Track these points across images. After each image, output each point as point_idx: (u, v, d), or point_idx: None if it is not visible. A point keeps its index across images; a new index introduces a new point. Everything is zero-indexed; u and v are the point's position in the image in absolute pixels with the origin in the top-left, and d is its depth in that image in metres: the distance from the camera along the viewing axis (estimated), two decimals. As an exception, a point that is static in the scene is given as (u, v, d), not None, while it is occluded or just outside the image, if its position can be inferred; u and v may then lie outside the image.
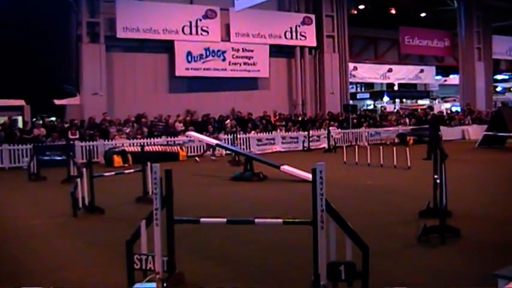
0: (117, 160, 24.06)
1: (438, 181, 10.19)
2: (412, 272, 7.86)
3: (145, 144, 24.12)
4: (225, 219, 7.83)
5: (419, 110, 48.54)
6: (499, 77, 61.86)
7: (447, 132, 36.37)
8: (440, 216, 9.48)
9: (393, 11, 44.62)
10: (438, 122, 27.45)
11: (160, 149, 26.01)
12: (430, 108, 38.72)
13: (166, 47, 31.90)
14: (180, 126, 29.68)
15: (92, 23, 29.85)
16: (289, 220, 7.69)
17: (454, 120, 39.97)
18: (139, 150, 16.88)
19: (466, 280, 7.40)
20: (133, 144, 25.94)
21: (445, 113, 43.33)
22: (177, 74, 31.99)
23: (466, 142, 35.20)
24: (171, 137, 28.09)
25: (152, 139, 27.45)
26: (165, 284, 6.95)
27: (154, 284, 6.98)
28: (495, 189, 15.37)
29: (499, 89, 66.68)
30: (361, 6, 43.29)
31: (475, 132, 36.87)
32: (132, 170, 15.49)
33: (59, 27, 5.57)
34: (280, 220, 7.46)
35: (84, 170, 12.89)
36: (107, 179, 14.66)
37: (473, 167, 21.70)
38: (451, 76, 57.26)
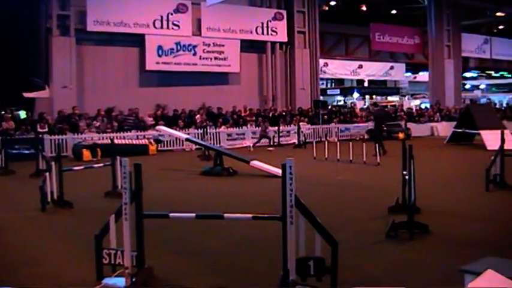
0: (86, 154, 23.90)
1: (407, 177, 10.26)
2: (381, 267, 7.92)
3: (115, 138, 23.97)
4: (194, 214, 7.79)
5: (389, 106, 48.98)
6: (467, 74, 62.44)
7: (417, 129, 36.79)
8: (408, 212, 9.56)
9: (364, 8, 44.70)
10: (382, 119, 28.09)
11: (130, 143, 25.89)
12: (375, 104, 38.98)
13: (137, 40, 31.64)
14: (150, 120, 29.55)
15: (62, 15, 29.48)
16: (259, 215, 7.70)
17: (423, 117, 40.27)
18: (109, 144, 16.77)
19: (433, 275, 7.48)
20: (103, 138, 25.76)
21: (414, 110, 43.70)
22: (148, 68, 31.77)
23: (435, 139, 35.48)
24: (141, 131, 27.95)
25: (122, 133, 27.27)
26: (133, 279, 6.94)
27: (123, 279, 6.96)
28: (463, 186, 15.53)
29: (467, 86, 67.39)
30: (333, 3, 43.38)
31: (444, 129, 37.22)
32: (101, 164, 15.41)
33: (26, 18, 5.49)
34: (249, 215, 7.47)
35: (53, 163, 12.79)
36: (76, 173, 14.58)
37: (442, 164, 21.89)
38: (421, 73, 57.75)
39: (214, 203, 13.27)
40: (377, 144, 21.89)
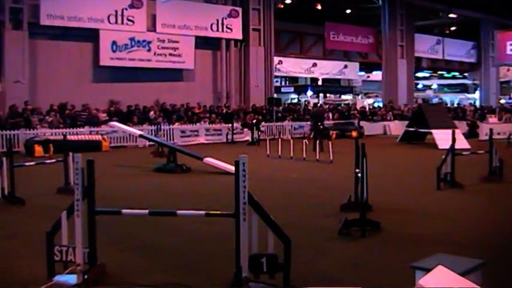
0: (38, 150, 23.58)
1: (359, 175, 10.38)
2: (333, 264, 8.00)
3: (68, 133, 23.75)
4: (147, 211, 7.77)
5: (342, 104, 49.32)
6: (420, 74, 63.28)
7: (370, 128, 37.13)
8: (361, 209, 9.67)
9: (319, 7, 44.97)
10: (318, 116, 29.22)
11: (82, 139, 25.63)
12: (314, 105, 39.42)
13: (91, 35, 31.25)
14: (103, 116, 29.29)
15: (15, 9, 28.95)
16: (212, 212, 7.74)
17: (376, 116, 40.65)
18: (62, 139, 16.59)
19: (385, 272, 7.59)
20: (55, 133, 25.46)
21: (367, 109, 44.07)
22: (102, 63, 31.46)
23: (388, 137, 35.83)
24: (94, 127, 27.69)
25: (75, 129, 26.96)
26: (85, 276, 6.89)
27: (74, 276, 6.91)
28: (415, 184, 15.75)
29: (420, 86, 68.25)
30: (288, 1, 43.41)
31: (397, 127, 37.60)
32: (53, 160, 15.24)
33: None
34: (202, 212, 7.48)
35: (4, 159, 12.61)
36: (27, 169, 14.41)
37: (394, 162, 22.16)
38: (374, 72, 58.31)
39: (168, 200, 13.25)
40: (317, 141, 22.98)
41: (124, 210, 7.63)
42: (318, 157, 21.11)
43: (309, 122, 32.87)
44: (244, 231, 6.59)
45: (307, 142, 22.35)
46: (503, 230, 10.02)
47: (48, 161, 15.55)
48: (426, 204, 12.62)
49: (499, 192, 14.33)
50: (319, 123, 28.17)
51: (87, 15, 30.67)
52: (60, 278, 7.02)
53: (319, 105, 45.59)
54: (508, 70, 59.34)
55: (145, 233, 9.64)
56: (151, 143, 24.58)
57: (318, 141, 23.18)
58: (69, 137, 23.74)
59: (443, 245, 8.50)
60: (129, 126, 25.92)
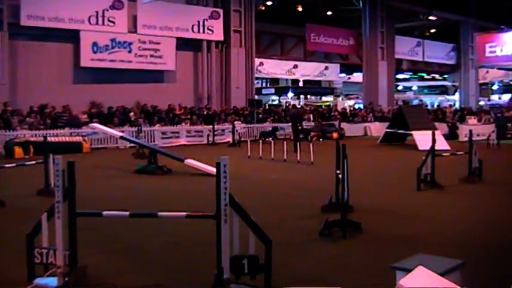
0: (18, 151, 23.44)
1: (340, 176, 10.42)
2: (314, 265, 8.03)
3: (48, 135, 23.63)
4: (127, 213, 7.75)
5: (323, 106, 49.50)
6: (400, 76, 63.67)
7: (350, 129, 37.28)
8: (342, 210, 9.70)
9: (300, 9, 45.14)
10: (297, 118, 30.17)
11: (63, 140, 25.52)
12: (293, 106, 39.76)
13: (72, 36, 31.09)
14: (84, 117, 29.17)
15: (-5, 9, 28.92)
16: (193, 214, 7.72)
17: (357, 117, 40.82)
18: (42, 141, 16.51)
19: (365, 272, 7.63)
20: (35, 135, 25.31)
21: (348, 110, 44.25)
22: (82, 64, 31.31)
23: (368, 139, 35.99)
24: (75, 129, 27.56)
25: (56, 130, 26.81)
26: (66, 279, 6.87)
27: (55, 279, 6.89)
28: (395, 185, 15.87)
29: (400, 87, 68.64)
30: (269, 3, 43.65)
31: (377, 129, 37.77)
32: (33, 162, 15.16)
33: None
34: (183, 213, 7.48)
35: (-16, 160, 12.56)
36: (7, 171, 14.34)
37: (375, 163, 22.26)
38: (355, 74, 58.61)
39: (149, 202, 13.22)
40: (295, 141, 23.84)
41: (105, 212, 7.60)
42: (298, 158, 21.14)
43: (289, 124, 32.96)
44: (225, 232, 6.60)
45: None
46: (482, 231, 10.10)
47: (28, 163, 15.43)
48: (406, 205, 12.70)
49: (479, 193, 14.45)
50: (298, 124, 28.40)
51: (68, 16, 30.51)
52: (40, 281, 6.98)
53: (299, 106, 45.74)
54: (487, 72, 59.93)
55: (126, 235, 9.62)
56: (132, 144, 24.54)
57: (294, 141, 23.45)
58: (49, 139, 23.65)
59: (423, 246, 8.56)
60: (110, 127, 25.82)
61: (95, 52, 31.60)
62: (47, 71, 30.55)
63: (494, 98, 69.83)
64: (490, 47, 46.90)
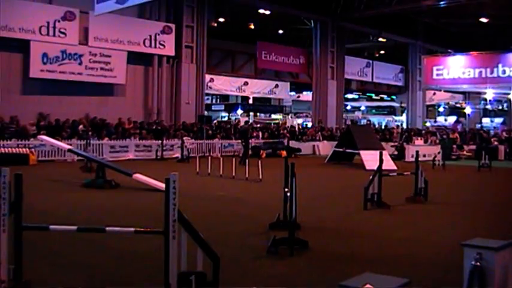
0: (-38, 162, 23.08)
1: (288, 194, 10.48)
2: (261, 282, 8.03)
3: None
4: (75, 227, 7.69)
5: (272, 124, 49.74)
6: (349, 95, 64.34)
7: (299, 147, 37.44)
8: (289, 228, 9.75)
9: (252, 26, 45.42)
10: (245, 133, 31.80)
11: (9, 151, 25.17)
12: (245, 122, 40.58)
13: (22, 46, 30.72)
14: (32, 129, 28.79)
15: None
16: (141, 229, 7.69)
17: (305, 136, 41.08)
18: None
19: (311, 291, 7.68)
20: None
21: (296, 128, 44.57)
22: (32, 75, 30.87)
23: (317, 157, 36.24)
24: (22, 140, 27.17)
25: (2, 141, 26.39)
26: (10, 293, 6.79)
27: (-1, 293, 6.80)
28: (343, 204, 16.00)
29: (349, 107, 69.38)
30: (221, 19, 43.81)
31: (325, 148, 38.10)
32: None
33: None
34: (131, 229, 7.44)
35: None
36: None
37: (323, 182, 22.41)
38: (305, 93, 59.02)
39: (96, 216, 13.08)
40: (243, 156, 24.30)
41: (52, 226, 7.54)
42: (247, 175, 21.20)
43: (239, 141, 33.13)
44: (173, 248, 6.59)
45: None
46: (427, 250, 10.24)
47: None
48: (353, 223, 12.83)
49: (424, 213, 14.67)
50: (242, 140, 28.99)
51: (18, 25, 30.07)
52: (-17, 295, 6.90)
53: (248, 123, 45.96)
54: (434, 94, 61.10)
55: (73, 250, 9.51)
56: (80, 157, 24.30)
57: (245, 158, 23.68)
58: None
59: (370, 264, 8.67)
60: (58, 140, 25.54)
61: (44, 63, 31.22)
62: (-5, 80, 30.06)
63: (441, 119, 71.13)
64: (438, 69, 47.77)
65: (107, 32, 33.57)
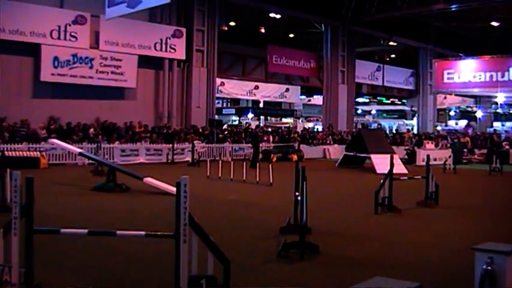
0: (-26, 165, 23.12)
1: (299, 198, 10.46)
2: (271, 286, 8.02)
3: (5, 149, 23.35)
4: (86, 230, 7.68)
5: (283, 127, 49.69)
6: (360, 99, 64.20)
7: (309, 151, 37.43)
8: (300, 232, 9.74)
9: (263, 30, 45.42)
10: (256, 138, 31.77)
11: (20, 155, 25.24)
12: (256, 126, 40.66)
13: (33, 50, 30.79)
14: (43, 132, 28.86)
15: (-47, 20, 28.49)
16: (152, 233, 7.69)
17: (316, 140, 41.01)
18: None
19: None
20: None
21: (307, 132, 44.53)
22: (43, 79, 30.93)
23: (327, 161, 36.21)
24: (33, 143, 27.24)
25: (13, 144, 26.45)
26: (21, 296, 6.80)
27: (9, 296, 6.81)
28: (353, 208, 15.96)
29: (359, 111, 69.20)
30: (232, 23, 43.86)
31: (336, 152, 38.01)
32: (-11, 177, 14.97)
33: None
34: (142, 232, 7.45)
35: None
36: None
37: (334, 186, 22.39)
38: (315, 96, 58.90)
39: (107, 219, 13.11)
40: (253, 160, 24.67)
41: (63, 230, 7.54)
42: (257, 179, 21.18)
43: (249, 144, 33.17)
44: (184, 252, 6.59)
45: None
46: (438, 254, 10.21)
47: (-16, 178, 15.25)
48: (364, 228, 12.80)
49: (435, 217, 14.64)
50: (253, 144, 29.75)
51: (29, 29, 30.13)
52: (-7, 298, 6.91)
53: (259, 127, 45.94)
54: (445, 98, 60.79)
55: (83, 253, 9.53)
56: (90, 161, 24.33)
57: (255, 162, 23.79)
58: (6, 153, 23.40)
59: (381, 268, 8.65)
60: (69, 143, 25.59)
61: (55, 67, 31.27)
62: (6, 84, 30.08)
63: (451, 123, 70.80)
64: (448, 73, 47.65)
65: (118, 36, 33.61)
